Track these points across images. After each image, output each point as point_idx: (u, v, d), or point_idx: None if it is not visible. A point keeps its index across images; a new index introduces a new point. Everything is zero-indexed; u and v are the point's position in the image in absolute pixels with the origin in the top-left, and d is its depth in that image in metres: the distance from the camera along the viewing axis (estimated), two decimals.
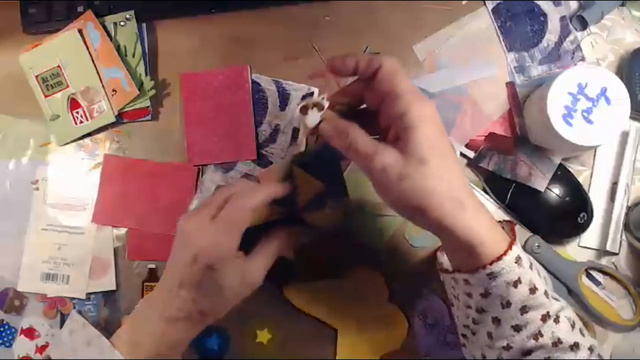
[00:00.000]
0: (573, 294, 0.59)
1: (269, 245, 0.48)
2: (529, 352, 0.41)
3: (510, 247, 0.40)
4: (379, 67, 0.42)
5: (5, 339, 0.59)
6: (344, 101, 0.46)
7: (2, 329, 0.59)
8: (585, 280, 0.60)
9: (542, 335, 0.40)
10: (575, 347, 0.40)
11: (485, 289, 0.41)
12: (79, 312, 0.49)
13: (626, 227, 0.60)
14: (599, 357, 0.41)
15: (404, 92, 0.40)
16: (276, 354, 0.59)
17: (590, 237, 0.61)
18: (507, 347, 0.41)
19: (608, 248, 0.60)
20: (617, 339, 0.59)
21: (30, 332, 0.59)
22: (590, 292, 0.59)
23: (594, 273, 0.60)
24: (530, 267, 0.41)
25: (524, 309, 0.40)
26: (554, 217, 0.59)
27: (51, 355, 0.57)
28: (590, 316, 0.59)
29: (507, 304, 0.40)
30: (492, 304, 0.41)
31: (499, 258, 0.39)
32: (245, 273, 0.46)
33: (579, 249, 0.61)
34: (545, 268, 0.59)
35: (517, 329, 0.41)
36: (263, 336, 0.59)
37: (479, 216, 0.40)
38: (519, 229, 0.59)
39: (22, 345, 0.59)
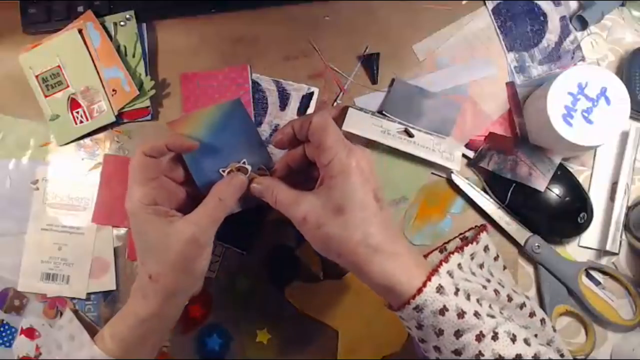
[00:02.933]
0: (573, 294, 0.59)
1: (208, 198, 0.47)
2: None
3: (429, 279, 0.42)
4: (309, 124, 0.45)
5: (5, 339, 0.59)
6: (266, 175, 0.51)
7: (2, 329, 0.59)
8: (585, 280, 0.60)
9: (483, 355, 0.41)
10: (517, 358, 0.41)
11: (417, 322, 0.42)
12: (77, 312, 0.49)
13: (626, 227, 0.60)
14: None
15: (331, 144, 0.43)
16: (276, 354, 0.59)
17: (590, 237, 0.61)
18: None
19: (608, 248, 0.60)
20: (617, 339, 0.59)
21: (30, 332, 0.59)
22: (590, 292, 0.59)
23: (593, 273, 0.60)
24: (456, 293, 0.42)
25: (457, 333, 0.41)
26: (554, 217, 0.59)
27: (42, 349, 0.57)
28: (590, 316, 0.59)
29: (440, 332, 0.42)
30: (428, 334, 0.42)
31: (419, 291, 0.41)
32: (179, 226, 0.45)
33: (579, 249, 0.61)
34: (545, 268, 0.59)
35: (458, 353, 0.42)
36: (263, 336, 0.59)
37: (396, 258, 0.42)
38: (518, 229, 0.59)
39: (22, 345, 0.59)
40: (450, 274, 0.43)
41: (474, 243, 0.49)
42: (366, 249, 0.42)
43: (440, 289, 0.41)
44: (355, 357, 0.58)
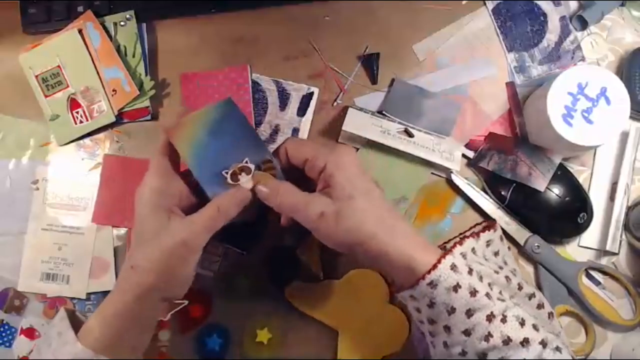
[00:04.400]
0: (573, 294, 0.59)
1: (207, 206, 0.47)
2: (483, 354, 0.42)
3: (443, 257, 0.43)
4: (286, 152, 0.49)
5: (5, 339, 0.59)
6: (274, 165, 0.50)
7: (2, 329, 0.59)
8: (585, 280, 0.60)
9: (492, 336, 0.42)
10: (525, 342, 0.42)
11: (429, 299, 0.43)
12: (77, 312, 0.49)
13: (626, 227, 0.60)
14: (555, 349, 0.42)
15: (316, 153, 0.47)
16: (276, 354, 0.59)
17: (590, 237, 0.61)
18: (463, 353, 0.43)
19: (608, 248, 0.60)
20: (617, 339, 0.59)
21: (30, 332, 0.59)
22: (590, 292, 0.59)
23: (593, 273, 0.60)
24: (470, 272, 0.43)
25: (468, 312, 0.42)
26: (554, 217, 0.59)
27: (34, 348, 0.58)
28: (590, 316, 0.59)
29: (452, 310, 0.43)
30: (440, 313, 0.43)
31: (434, 267, 0.42)
32: (174, 225, 0.45)
33: (579, 249, 0.61)
34: (545, 268, 0.59)
35: (467, 333, 0.42)
36: (263, 336, 0.58)
37: (409, 237, 0.45)
38: (518, 229, 0.59)
39: (22, 345, 0.59)
40: (463, 255, 0.44)
41: (491, 230, 0.50)
42: (384, 231, 0.44)
43: (454, 267, 0.43)
44: (355, 357, 0.58)
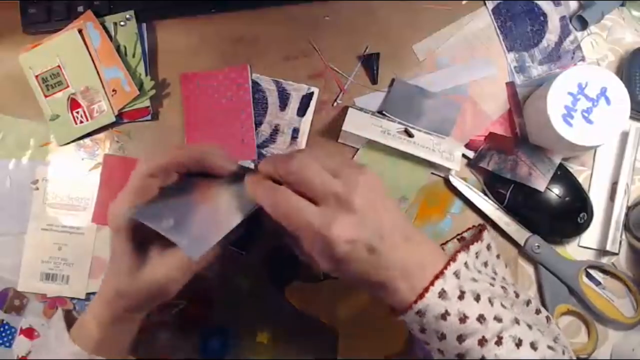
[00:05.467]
0: (574, 293, 0.59)
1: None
2: None
3: (432, 284, 0.41)
4: (287, 166, 0.43)
5: (5, 339, 0.59)
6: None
7: (2, 329, 0.59)
8: (585, 280, 0.60)
9: None
10: None
11: (420, 325, 0.42)
12: (70, 311, 0.50)
13: (626, 227, 0.60)
14: None
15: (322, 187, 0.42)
16: (276, 354, 0.59)
17: (590, 237, 0.61)
18: None
19: (608, 248, 0.60)
20: (617, 339, 0.59)
21: (30, 332, 0.59)
22: (592, 291, 0.59)
23: (593, 273, 0.60)
24: (461, 296, 0.41)
25: (460, 338, 0.41)
26: (554, 217, 0.59)
27: (32, 349, 0.58)
28: (592, 315, 0.59)
29: (442, 336, 0.42)
30: (431, 338, 0.43)
31: (421, 296, 0.41)
32: (153, 269, 0.45)
33: (579, 249, 0.61)
34: (546, 268, 0.59)
35: (461, 357, 0.42)
36: (263, 336, 0.58)
37: (406, 252, 0.42)
38: (518, 229, 0.59)
39: (22, 345, 0.59)
40: (456, 274, 0.43)
41: (479, 242, 0.49)
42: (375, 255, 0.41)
43: (442, 294, 0.41)
44: (355, 357, 0.58)
